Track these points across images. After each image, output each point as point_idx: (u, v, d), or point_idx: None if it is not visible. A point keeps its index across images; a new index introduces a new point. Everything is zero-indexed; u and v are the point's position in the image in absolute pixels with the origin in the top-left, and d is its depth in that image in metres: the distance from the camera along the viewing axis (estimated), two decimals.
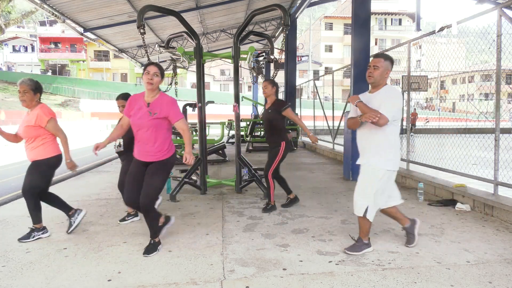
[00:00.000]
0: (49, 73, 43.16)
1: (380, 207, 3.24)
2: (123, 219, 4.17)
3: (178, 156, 9.01)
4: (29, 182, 3.50)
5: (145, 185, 3.10)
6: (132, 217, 4.21)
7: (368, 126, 3.04)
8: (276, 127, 4.49)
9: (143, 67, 3.14)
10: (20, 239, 3.51)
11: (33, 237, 3.55)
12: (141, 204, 3.09)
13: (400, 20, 49.78)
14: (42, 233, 3.63)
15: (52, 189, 6.02)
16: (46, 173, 3.57)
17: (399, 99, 3.07)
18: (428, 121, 20.41)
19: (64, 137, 3.60)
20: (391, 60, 3.08)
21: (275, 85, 4.54)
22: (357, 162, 3.22)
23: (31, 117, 3.47)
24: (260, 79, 8.61)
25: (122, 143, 4.10)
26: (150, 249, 3.19)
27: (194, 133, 11.76)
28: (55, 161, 3.59)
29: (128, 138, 4.06)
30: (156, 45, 13.07)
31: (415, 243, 3.27)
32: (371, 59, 3.06)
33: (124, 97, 4.16)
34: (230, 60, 5.68)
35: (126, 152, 4.08)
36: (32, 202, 3.54)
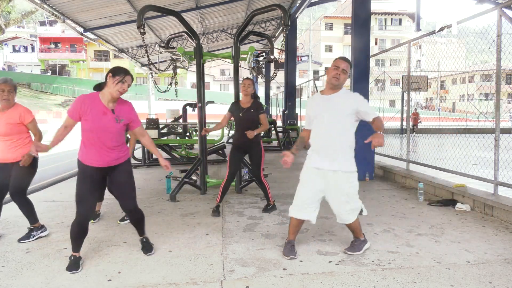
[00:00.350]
0: (49, 73, 43.17)
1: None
2: (122, 219, 4.17)
3: (178, 156, 9.04)
4: (19, 183, 3.50)
5: (128, 188, 3.09)
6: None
7: (341, 127, 2.97)
8: (256, 127, 4.41)
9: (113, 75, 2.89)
10: (20, 240, 3.51)
11: (33, 236, 3.56)
12: (133, 209, 3.16)
13: (400, 20, 49.77)
14: (42, 232, 3.64)
15: (52, 189, 6.05)
16: (34, 171, 3.60)
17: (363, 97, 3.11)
18: (420, 121, 20.09)
19: (41, 135, 3.64)
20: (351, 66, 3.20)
21: (253, 84, 4.55)
22: (322, 167, 3.02)
23: (11, 115, 3.45)
24: (260, 79, 8.62)
25: None
26: (150, 247, 3.22)
27: (194, 133, 11.77)
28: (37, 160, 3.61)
29: None
30: (156, 45, 13.07)
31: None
32: (341, 62, 3.01)
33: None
34: (230, 60, 5.68)
35: None
36: (25, 202, 3.59)
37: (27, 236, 3.55)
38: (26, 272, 2.85)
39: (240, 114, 4.42)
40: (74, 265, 2.88)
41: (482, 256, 3.06)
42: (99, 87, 3.04)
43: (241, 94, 4.58)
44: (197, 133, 5.92)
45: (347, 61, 3.04)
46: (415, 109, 21.29)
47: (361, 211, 3.14)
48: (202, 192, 5.52)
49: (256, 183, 4.83)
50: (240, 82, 4.65)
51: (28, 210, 3.62)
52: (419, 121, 19.78)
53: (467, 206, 4.47)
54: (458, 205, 4.54)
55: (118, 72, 2.87)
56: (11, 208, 4.81)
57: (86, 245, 3.40)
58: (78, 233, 2.94)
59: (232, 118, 4.60)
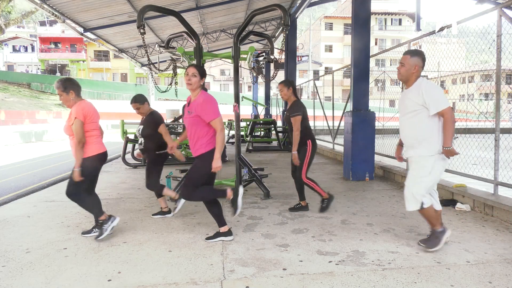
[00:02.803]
0: (54, 73, 43.17)
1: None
2: (161, 214, 4.36)
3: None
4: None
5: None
6: (166, 214, 4.34)
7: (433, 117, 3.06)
8: (291, 129, 4.35)
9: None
10: (96, 238, 3.51)
11: (106, 230, 3.54)
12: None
13: (400, 20, 49.79)
14: (112, 222, 3.61)
15: (52, 189, 6.06)
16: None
17: (437, 87, 3.07)
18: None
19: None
20: (419, 56, 3.09)
21: (290, 85, 4.41)
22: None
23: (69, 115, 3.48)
24: (260, 79, 8.62)
25: (142, 142, 4.25)
26: (213, 236, 3.49)
27: None
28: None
29: (148, 136, 4.20)
30: (156, 45, 13.07)
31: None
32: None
33: (136, 100, 4.23)
34: (230, 60, 5.68)
35: (146, 151, 4.24)
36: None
37: (100, 233, 3.53)
38: (26, 272, 2.86)
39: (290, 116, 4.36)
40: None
41: (482, 256, 3.06)
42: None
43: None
44: None
45: (405, 52, 3.11)
46: None
47: (422, 204, 3.12)
48: None
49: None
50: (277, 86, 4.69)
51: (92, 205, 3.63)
52: None
53: (467, 206, 4.47)
54: (458, 205, 4.54)
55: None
56: (12, 208, 4.82)
57: (86, 245, 3.40)
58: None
59: (231, 119, 4.60)
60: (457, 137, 3.63)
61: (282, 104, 14.40)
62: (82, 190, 3.50)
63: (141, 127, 4.27)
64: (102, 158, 3.61)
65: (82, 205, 3.61)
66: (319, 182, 6.41)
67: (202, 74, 3.32)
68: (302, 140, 4.31)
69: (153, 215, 4.37)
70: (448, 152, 3.00)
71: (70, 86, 3.46)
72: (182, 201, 4.30)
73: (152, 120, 4.22)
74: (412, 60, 3.08)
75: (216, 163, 3.21)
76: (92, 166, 3.49)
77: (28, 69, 45.36)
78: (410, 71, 3.09)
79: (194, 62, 5.63)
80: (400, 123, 3.27)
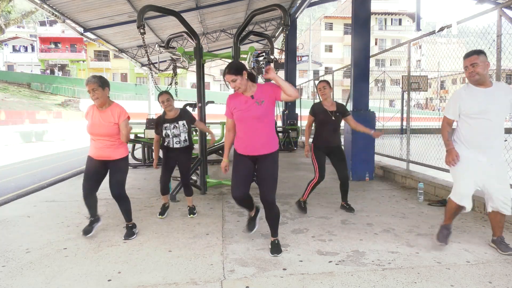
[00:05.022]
0: (56, 73, 43.15)
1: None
2: (191, 212, 4.40)
3: None
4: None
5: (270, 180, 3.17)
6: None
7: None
8: (339, 129, 4.49)
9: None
10: (125, 237, 3.58)
11: (136, 232, 3.70)
12: (268, 201, 3.17)
13: (400, 20, 49.76)
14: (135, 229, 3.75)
15: (52, 189, 6.06)
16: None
17: None
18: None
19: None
20: (485, 53, 3.04)
21: (329, 84, 4.40)
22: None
23: (108, 115, 3.48)
24: (260, 79, 8.62)
25: (187, 138, 4.33)
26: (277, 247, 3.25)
27: (194, 133, 11.76)
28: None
29: (189, 132, 4.32)
30: (156, 45, 13.06)
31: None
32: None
33: (168, 92, 4.26)
34: (230, 60, 5.69)
35: (189, 148, 4.37)
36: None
37: (131, 233, 3.63)
38: (26, 272, 2.85)
39: (333, 118, 4.33)
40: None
41: (482, 256, 3.06)
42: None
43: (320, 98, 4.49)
44: (197, 133, 5.92)
45: (472, 53, 3.00)
46: None
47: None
48: (202, 192, 5.52)
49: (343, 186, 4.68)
50: (316, 85, 4.58)
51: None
52: None
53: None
54: None
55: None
56: (12, 208, 4.82)
57: (86, 245, 3.40)
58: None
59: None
60: (505, 140, 3.62)
61: (282, 104, 14.38)
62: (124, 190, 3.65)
63: (183, 121, 4.21)
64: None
65: (127, 206, 3.72)
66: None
67: (239, 70, 2.97)
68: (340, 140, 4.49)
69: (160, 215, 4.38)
70: None
71: (106, 83, 3.49)
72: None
73: (188, 115, 4.31)
74: (482, 58, 2.98)
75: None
76: (128, 165, 3.68)
77: (32, 69, 45.34)
78: (486, 70, 2.99)
79: (194, 62, 5.64)
80: (486, 125, 3.01)
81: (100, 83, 3.40)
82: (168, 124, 4.20)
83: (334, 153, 4.45)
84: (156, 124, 4.30)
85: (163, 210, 4.38)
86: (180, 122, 4.22)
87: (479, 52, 3.00)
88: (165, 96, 4.16)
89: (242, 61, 6.11)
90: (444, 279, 2.66)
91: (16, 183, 7.19)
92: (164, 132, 4.22)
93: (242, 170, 3.17)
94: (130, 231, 3.65)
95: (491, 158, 3.06)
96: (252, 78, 3.09)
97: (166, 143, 4.26)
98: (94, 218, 3.73)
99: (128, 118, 3.54)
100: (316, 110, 4.41)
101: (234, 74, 2.96)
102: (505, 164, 3.15)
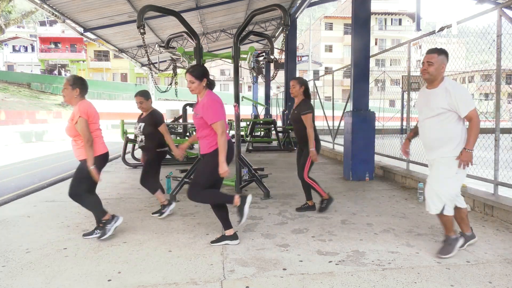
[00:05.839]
0: (55, 73, 43.15)
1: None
2: (159, 213, 4.30)
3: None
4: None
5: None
6: (167, 207, 4.32)
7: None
8: (304, 127, 4.32)
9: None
10: (99, 238, 3.48)
11: (109, 230, 3.51)
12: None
13: (400, 20, 49.78)
14: (115, 222, 3.58)
15: (52, 189, 6.06)
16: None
17: (464, 87, 2.99)
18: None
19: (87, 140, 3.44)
20: (446, 54, 3.01)
21: (303, 84, 4.38)
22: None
23: (72, 114, 3.47)
24: (260, 79, 8.62)
25: (143, 139, 4.26)
26: (218, 239, 3.39)
27: (194, 133, 11.76)
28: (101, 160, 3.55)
29: (149, 135, 4.24)
30: (156, 45, 13.07)
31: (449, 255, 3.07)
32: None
33: (142, 94, 4.33)
34: (230, 60, 5.68)
35: (146, 149, 4.29)
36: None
37: (103, 233, 3.50)
38: (26, 272, 2.85)
39: (290, 116, 4.43)
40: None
41: (482, 256, 3.06)
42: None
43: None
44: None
45: (433, 51, 2.97)
46: None
47: (443, 208, 3.00)
48: None
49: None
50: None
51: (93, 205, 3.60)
52: None
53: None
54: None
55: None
56: (12, 208, 4.82)
57: (86, 245, 3.40)
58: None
59: (231, 119, 4.61)
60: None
61: (282, 104, 14.39)
62: (84, 190, 3.50)
63: (142, 124, 4.29)
64: (105, 158, 3.61)
65: (85, 206, 3.61)
66: (320, 182, 6.41)
67: (200, 76, 3.22)
68: (307, 141, 4.29)
69: (153, 213, 4.37)
70: (466, 156, 2.90)
71: (78, 84, 3.48)
72: (172, 206, 4.33)
73: (153, 119, 4.26)
74: (441, 58, 2.95)
75: (222, 168, 3.12)
76: (96, 166, 3.48)
77: (32, 69, 45.33)
78: (439, 70, 2.96)
79: (194, 62, 5.63)
80: (423, 125, 3.09)
81: (72, 83, 3.45)
82: (136, 124, 4.34)
83: (301, 153, 4.44)
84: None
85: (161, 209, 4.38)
86: (141, 124, 4.29)
87: (441, 52, 2.96)
88: (138, 98, 4.29)
89: (242, 61, 6.11)
90: (444, 279, 2.66)
91: (16, 183, 7.19)
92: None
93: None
94: (102, 230, 3.52)
95: (433, 158, 3.08)
96: (210, 86, 3.33)
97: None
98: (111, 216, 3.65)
99: (86, 116, 3.40)
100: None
101: (195, 77, 3.21)
102: (445, 164, 3.00)
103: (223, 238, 3.40)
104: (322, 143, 11.07)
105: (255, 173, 5.48)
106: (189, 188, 3.35)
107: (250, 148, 11.52)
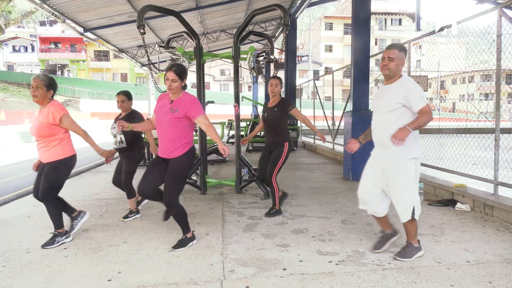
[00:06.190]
0: (55, 73, 43.14)
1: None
2: (126, 216, 4.22)
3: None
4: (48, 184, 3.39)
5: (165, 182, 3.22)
6: (134, 215, 4.26)
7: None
8: (280, 127, 4.33)
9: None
10: (43, 246, 3.34)
11: (57, 242, 3.38)
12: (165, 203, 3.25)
13: (400, 20, 49.79)
14: (66, 238, 3.47)
15: None
16: (65, 173, 3.49)
17: (417, 84, 2.96)
18: None
19: (83, 132, 3.47)
20: (405, 51, 3.01)
21: (282, 83, 4.45)
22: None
23: (44, 115, 3.36)
24: (260, 79, 8.62)
25: (124, 139, 4.04)
26: (180, 244, 3.30)
27: (194, 133, 11.76)
28: (72, 161, 3.49)
29: (131, 136, 4.12)
30: (156, 45, 13.06)
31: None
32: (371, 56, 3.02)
33: (125, 93, 4.29)
34: (230, 60, 5.68)
35: (126, 150, 4.13)
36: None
37: (51, 242, 3.37)
38: (26, 272, 2.85)
39: (265, 114, 4.37)
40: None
41: (482, 256, 3.06)
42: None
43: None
44: (197, 133, 5.92)
45: (393, 46, 2.95)
46: None
47: (413, 212, 2.93)
48: (202, 192, 5.52)
49: (266, 183, 4.68)
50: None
51: (55, 213, 3.45)
52: None
53: (467, 206, 4.47)
54: (458, 205, 4.54)
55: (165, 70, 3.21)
56: (12, 208, 4.82)
57: (86, 245, 3.40)
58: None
59: (231, 119, 4.59)
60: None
61: None
62: (55, 195, 3.44)
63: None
64: (75, 159, 3.55)
65: (50, 210, 3.41)
66: (319, 182, 6.42)
67: (183, 75, 3.20)
68: (280, 141, 4.28)
69: (123, 218, 4.24)
70: (402, 133, 2.71)
71: (53, 86, 3.43)
72: (138, 215, 4.31)
73: (133, 119, 4.14)
74: (401, 55, 2.94)
75: (223, 149, 3.17)
76: (69, 167, 3.47)
77: (32, 69, 45.32)
78: (399, 67, 2.95)
79: (194, 62, 5.63)
80: (376, 121, 3.04)
81: (47, 84, 3.36)
82: (113, 123, 4.15)
83: (272, 152, 4.34)
84: None
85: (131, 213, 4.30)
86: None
87: (401, 49, 2.95)
88: (120, 97, 4.24)
89: (242, 61, 6.11)
90: (444, 279, 2.66)
91: (16, 183, 7.19)
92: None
93: (153, 167, 3.33)
94: (50, 240, 3.39)
95: (386, 159, 2.97)
96: (185, 87, 3.33)
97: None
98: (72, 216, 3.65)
99: (67, 112, 3.41)
100: (263, 110, 4.51)
101: (178, 76, 3.16)
102: (404, 170, 2.91)
103: (186, 241, 3.33)
104: (322, 143, 11.10)
105: (255, 173, 5.47)
106: (170, 195, 3.19)
107: (250, 148, 11.51)
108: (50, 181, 3.36)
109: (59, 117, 3.35)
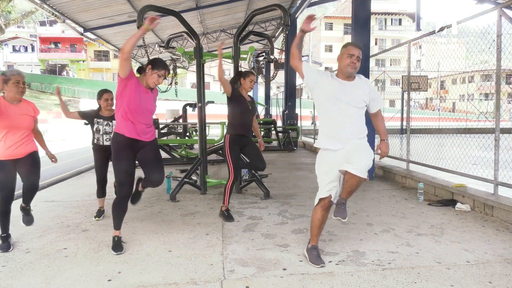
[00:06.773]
0: (64, 74, 43.21)
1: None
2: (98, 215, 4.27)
3: (178, 156, 9.04)
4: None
5: (158, 162, 3.36)
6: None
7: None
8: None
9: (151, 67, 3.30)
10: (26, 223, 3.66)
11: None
12: (159, 181, 3.38)
13: (400, 20, 49.79)
14: None
15: (52, 189, 6.05)
16: None
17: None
18: None
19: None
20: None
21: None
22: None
23: (26, 108, 3.53)
24: (260, 79, 8.62)
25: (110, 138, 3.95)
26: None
27: (194, 133, 11.76)
28: None
29: None
30: (156, 45, 13.07)
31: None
32: (355, 50, 2.89)
33: (111, 91, 4.19)
34: (230, 60, 5.68)
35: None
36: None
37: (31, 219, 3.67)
38: (26, 272, 2.85)
39: (250, 108, 4.30)
40: (118, 246, 3.21)
41: (482, 256, 3.06)
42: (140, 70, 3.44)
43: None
44: (197, 133, 5.92)
45: (358, 46, 2.95)
46: None
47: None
48: (202, 192, 5.52)
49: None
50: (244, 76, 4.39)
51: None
52: None
53: (467, 206, 4.47)
54: (458, 205, 4.54)
55: (158, 66, 3.23)
56: (12, 208, 4.80)
57: (86, 245, 3.40)
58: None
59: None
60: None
61: (282, 104, 14.39)
62: None
63: (114, 122, 4.05)
64: None
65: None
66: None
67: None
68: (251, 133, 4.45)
69: (97, 218, 4.23)
70: (387, 147, 3.09)
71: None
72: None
73: None
74: (361, 54, 2.98)
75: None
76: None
77: (32, 69, 45.32)
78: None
79: (194, 62, 5.64)
80: (343, 115, 2.89)
81: (25, 81, 3.49)
82: (101, 120, 4.06)
83: (249, 145, 4.31)
84: (90, 113, 4.16)
85: (99, 213, 4.25)
86: (115, 122, 4.17)
87: (361, 48, 2.99)
88: (109, 95, 4.11)
89: (242, 61, 6.11)
90: (444, 279, 2.66)
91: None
92: (95, 126, 4.05)
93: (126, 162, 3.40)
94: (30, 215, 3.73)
95: (346, 144, 2.89)
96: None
97: (96, 140, 4.09)
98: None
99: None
100: (237, 94, 4.24)
101: (169, 73, 3.35)
102: (365, 143, 2.97)
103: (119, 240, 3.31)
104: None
105: (255, 173, 5.47)
106: (160, 173, 3.35)
107: None
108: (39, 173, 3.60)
109: (38, 113, 3.69)
